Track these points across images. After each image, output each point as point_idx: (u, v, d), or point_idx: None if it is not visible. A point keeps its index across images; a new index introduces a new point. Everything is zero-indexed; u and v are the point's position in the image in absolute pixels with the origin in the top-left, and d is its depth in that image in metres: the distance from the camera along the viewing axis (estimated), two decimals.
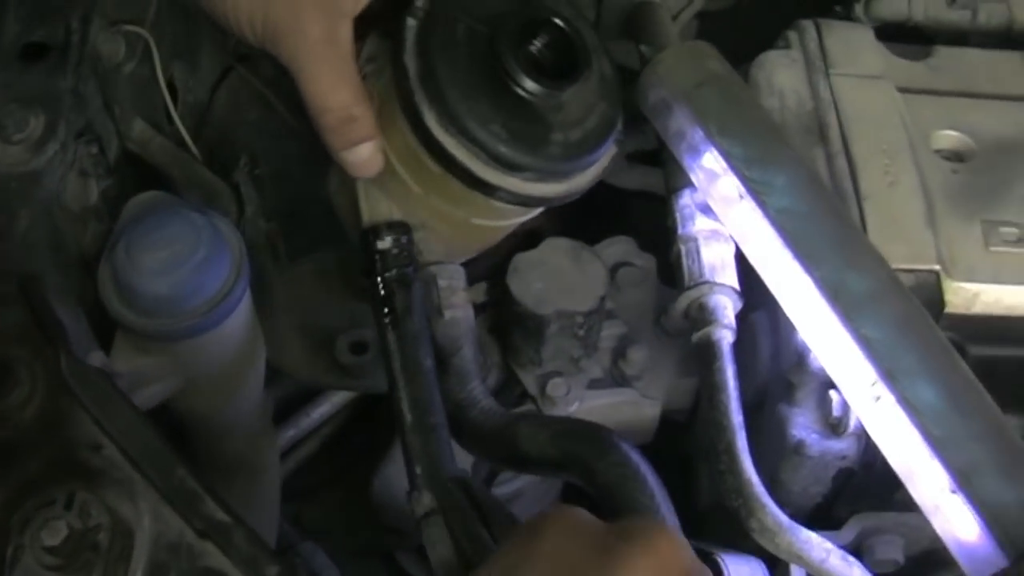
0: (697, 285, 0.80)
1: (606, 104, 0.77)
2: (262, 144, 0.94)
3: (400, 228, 0.77)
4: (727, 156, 0.80)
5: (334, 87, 0.72)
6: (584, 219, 0.94)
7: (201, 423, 0.84)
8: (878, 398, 0.70)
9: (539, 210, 0.80)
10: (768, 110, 0.85)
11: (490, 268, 0.89)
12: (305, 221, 0.93)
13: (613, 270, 0.94)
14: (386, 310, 0.75)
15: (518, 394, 0.91)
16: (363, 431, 1.04)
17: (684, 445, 0.98)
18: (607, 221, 0.97)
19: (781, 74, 0.88)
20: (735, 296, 0.81)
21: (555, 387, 0.89)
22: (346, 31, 0.72)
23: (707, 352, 0.79)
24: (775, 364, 0.84)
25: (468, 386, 0.78)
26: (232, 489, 0.84)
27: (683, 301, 0.81)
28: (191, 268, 0.72)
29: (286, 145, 0.93)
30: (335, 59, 0.71)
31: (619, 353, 0.91)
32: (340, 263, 0.92)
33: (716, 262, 0.81)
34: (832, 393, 0.77)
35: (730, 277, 0.81)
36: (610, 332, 0.92)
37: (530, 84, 0.72)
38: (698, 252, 0.81)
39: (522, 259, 0.89)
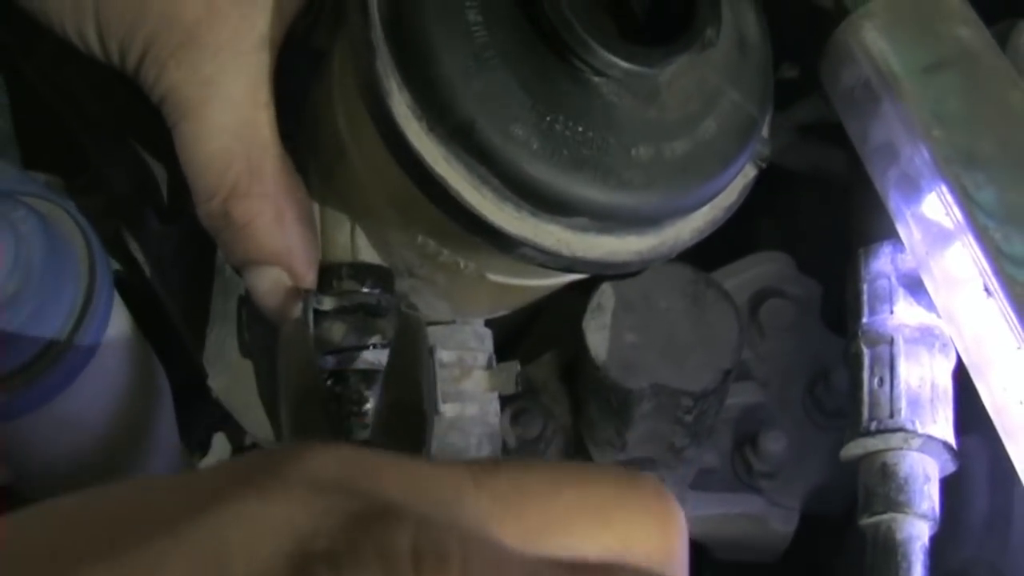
0: (882, 432, 0.48)
1: (739, 93, 0.43)
2: None
3: (369, 274, 0.47)
4: (972, 209, 0.46)
5: (222, 133, 0.40)
6: None
7: None
8: None
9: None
10: None
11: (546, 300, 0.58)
12: None
13: (754, 303, 0.62)
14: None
15: None
16: None
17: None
18: (745, 221, 0.62)
19: None
20: (947, 457, 0.48)
21: None
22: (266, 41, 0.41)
23: (884, 548, 0.48)
24: (991, 535, 0.52)
25: None
26: None
27: (854, 449, 0.49)
28: None
29: None
30: (246, 84, 0.40)
31: (746, 436, 0.61)
32: None
33: (923, 391, 0.48)
34: None
35: (944, 421, 0.48)
36: (737, 400, 0.61)
37: (601, 54, 0.38)
38: (892, 367, 0.48)
39: (612, 292, 0.57)
